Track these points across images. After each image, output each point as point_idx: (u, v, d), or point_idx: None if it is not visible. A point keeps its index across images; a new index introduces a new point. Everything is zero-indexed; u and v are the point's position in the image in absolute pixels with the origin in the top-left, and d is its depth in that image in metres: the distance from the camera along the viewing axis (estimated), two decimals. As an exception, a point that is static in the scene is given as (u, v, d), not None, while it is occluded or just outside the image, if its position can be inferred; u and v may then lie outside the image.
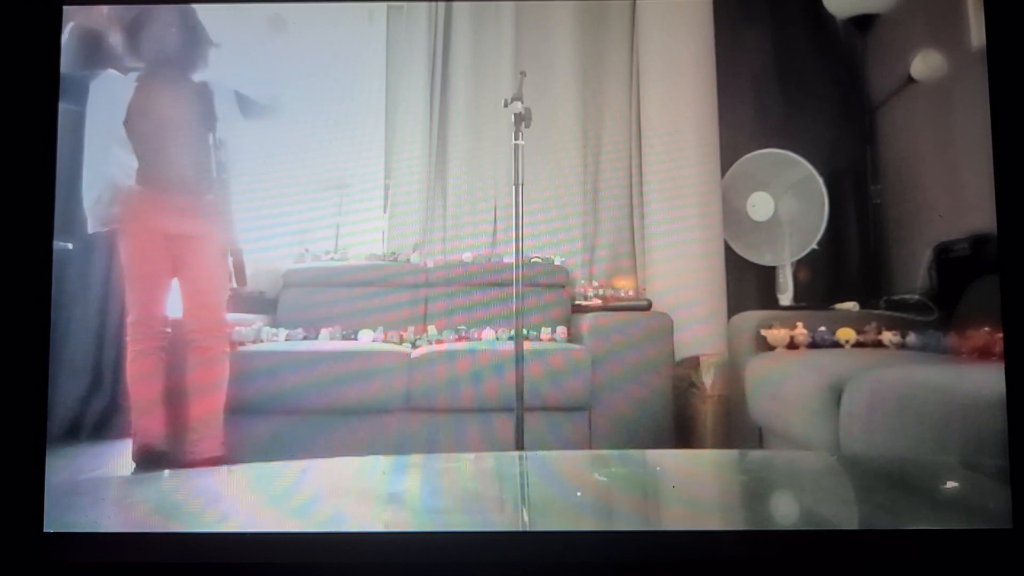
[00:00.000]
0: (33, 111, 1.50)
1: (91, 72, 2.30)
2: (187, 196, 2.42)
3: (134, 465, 2.24)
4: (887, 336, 2.47)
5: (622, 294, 2.88)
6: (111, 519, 1.63)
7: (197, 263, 2.40)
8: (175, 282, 2.38)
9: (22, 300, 1.45)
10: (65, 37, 1.59)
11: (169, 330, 2.35)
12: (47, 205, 1.48)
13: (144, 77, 2.37)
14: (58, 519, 1.43)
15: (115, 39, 2.32)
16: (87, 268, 2.41)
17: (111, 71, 2.34)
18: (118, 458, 2.25)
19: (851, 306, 2.64)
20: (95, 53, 2.28)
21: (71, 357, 2.33)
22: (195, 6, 2.37)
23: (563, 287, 2.86)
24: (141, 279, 2.34)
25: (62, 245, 1.59)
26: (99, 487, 1.92)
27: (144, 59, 2.37)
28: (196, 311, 2.38)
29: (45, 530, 1.42)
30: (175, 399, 2.31)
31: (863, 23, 2.76)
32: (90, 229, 2.32)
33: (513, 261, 2.46)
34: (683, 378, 2.60)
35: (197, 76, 2.42)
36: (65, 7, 1.55)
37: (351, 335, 2.67)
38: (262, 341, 2.62)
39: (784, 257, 2.80)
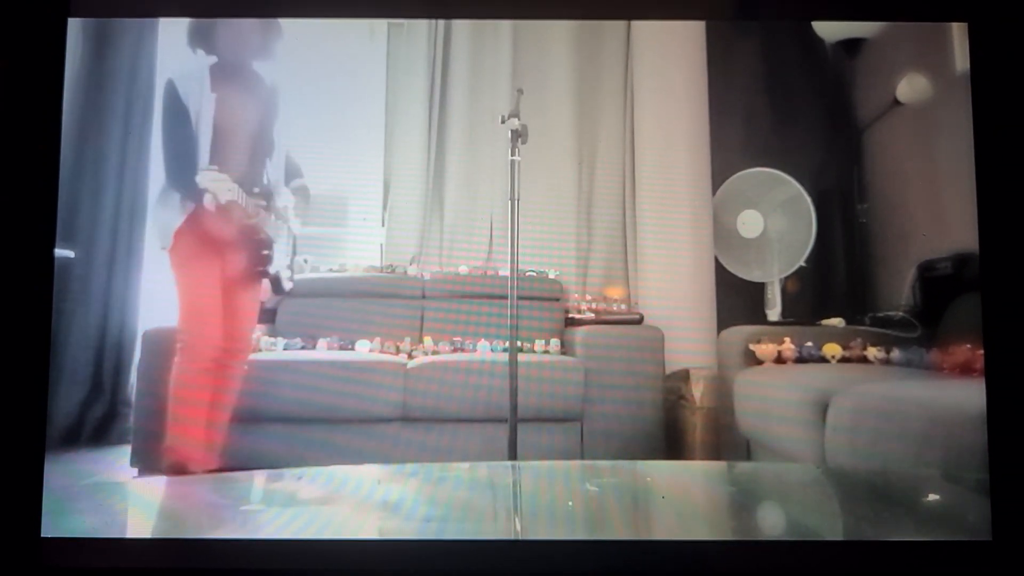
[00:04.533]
0: (38, 121, 1.51)
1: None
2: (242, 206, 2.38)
3: (135, 471, 2.24)
4: (872, 352, 2.49)
5: (614, 308, 2.90)
6: (109, 524, 1.61)
7: (240, 276, 2.38)
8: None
9: (23, 306, 1.46)
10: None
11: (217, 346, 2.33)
12: (50, 211, 1.49)
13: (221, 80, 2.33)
14: (56, 524, 1.42)
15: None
16: (88, 275, 2.42)
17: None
18: (117, 464, 2.25)
19: (837, 322, 2.66)
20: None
21: (72, 363, 2.33)
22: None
23: (557, 300, 2.88)
24: (196, 293, 2.32)
25: (64, 252, 1.60)
26: (97, 492, 1.90)
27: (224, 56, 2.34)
28: (230, 328, 2.35)
29: (43, 535, 1.42)
30: (206, 412, 2.29)
31: (851, 47, 2.79)
32: (161, 245, 2.30)
33: (508, 274, 2.46)
34: (673, 391, 2.62)
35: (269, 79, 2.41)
36: (70, 18, 1.57)
37: (348, 345, 2.68)
38: (260, 350, 2.62)
39: (773, 273, 2.83)
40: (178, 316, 2.30)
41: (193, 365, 2.28)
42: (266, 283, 2.49)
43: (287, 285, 2.58)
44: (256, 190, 2.40)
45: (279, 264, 2.51)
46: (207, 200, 2.30)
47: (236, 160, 2.36)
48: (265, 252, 2.44)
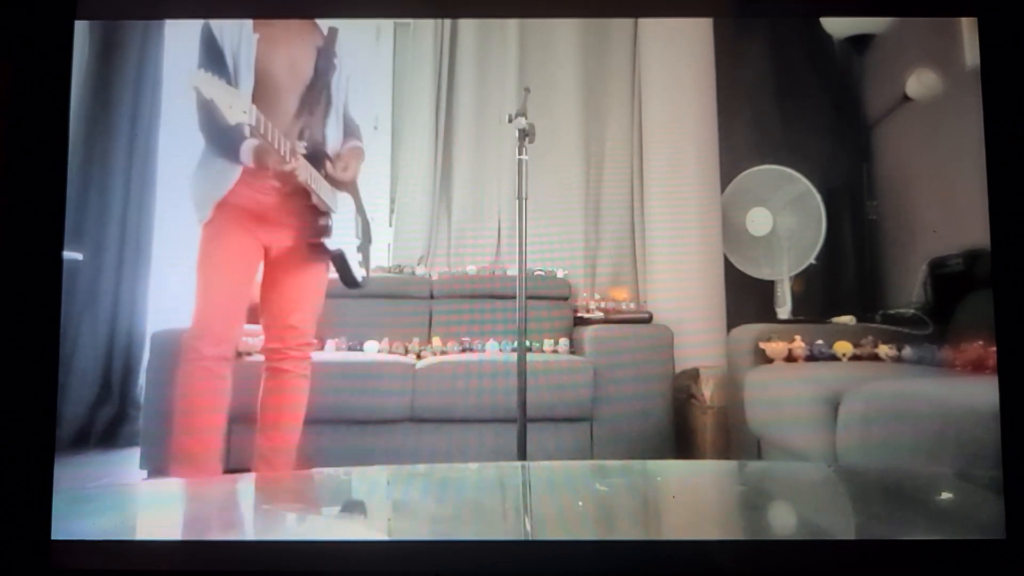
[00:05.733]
0: (45, 123, 1.51)
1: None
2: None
3: (144, 474, 2.24)
4: (883, 349, 2.48)
5: (623, 307, 2.89)
6: (118, 527, 1.61)
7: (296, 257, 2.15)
8: (255, 287, 2.19)
9: (31, 308, 1.47)
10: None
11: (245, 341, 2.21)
12: (58, 213, 1.49)
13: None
14: (65, 526, 1.43)
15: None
16: (97, 277, 2.42)
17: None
18: (126, 466, 2.25)
19: (848, 320, 2.65)
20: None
21: (81, 365, 2.33)
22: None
23: (565, 299, 2.87)
24: (232, 273, 2.09)
25: (72, 255, 1.60)
26: (107, 495, 1.90)
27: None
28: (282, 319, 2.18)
29: (52, 537, 1.43)
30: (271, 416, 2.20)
31: (859, 43, 2.78)
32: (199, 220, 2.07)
33: (516, 274, 2.45)
34: (683, 390, 2.61)
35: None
36: (77, 21, 1.58)
37: (357, 346, 2.68)
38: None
39: (782, 271, 2.82)
40: (201, 298, 2.10)
41: (215, 366, 2.11)
42: (332, 272, 2.24)
43: (359, 274, 2.32)
44: (303, 144, 2.09)
45: (343, 243, 2.22)
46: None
47: (281, 114, 2.09)
48: (322, 223, 2.16)
